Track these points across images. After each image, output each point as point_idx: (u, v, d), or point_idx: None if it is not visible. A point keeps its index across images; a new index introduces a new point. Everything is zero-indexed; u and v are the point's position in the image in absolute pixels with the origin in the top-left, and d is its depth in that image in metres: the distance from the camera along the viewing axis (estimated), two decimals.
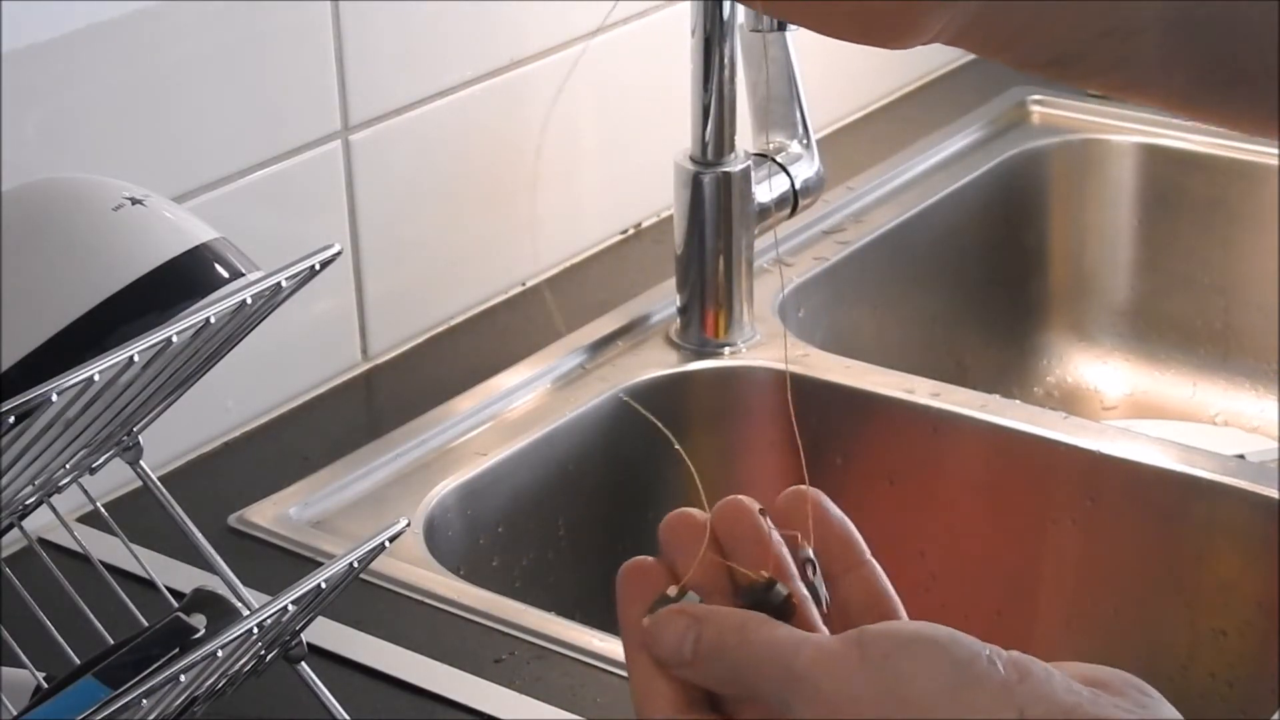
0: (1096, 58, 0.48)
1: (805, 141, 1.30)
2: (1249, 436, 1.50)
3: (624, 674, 0.98)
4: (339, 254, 0.79)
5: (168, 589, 0.88)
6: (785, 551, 0.53)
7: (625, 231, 1.45)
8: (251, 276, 0.78)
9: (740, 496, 0.56)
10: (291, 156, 1.18)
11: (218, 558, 0.85)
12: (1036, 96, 1.62)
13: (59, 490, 0.86)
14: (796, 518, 0.54)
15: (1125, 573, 1.17)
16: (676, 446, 0.59)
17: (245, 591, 0.85)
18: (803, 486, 0.54)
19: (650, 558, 0.57)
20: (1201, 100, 0.51)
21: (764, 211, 1.28)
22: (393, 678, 0.95)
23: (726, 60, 1.20)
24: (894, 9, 0.43)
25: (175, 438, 1.13)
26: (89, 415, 0.73)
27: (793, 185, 1.29)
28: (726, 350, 1.27)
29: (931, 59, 1.68)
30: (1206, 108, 0.51)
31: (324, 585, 0.78)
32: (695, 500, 1.30)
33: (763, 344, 1.27)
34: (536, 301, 1.36)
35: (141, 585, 0.90)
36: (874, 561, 0.54)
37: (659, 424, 0.59)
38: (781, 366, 1.25)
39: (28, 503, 0.85)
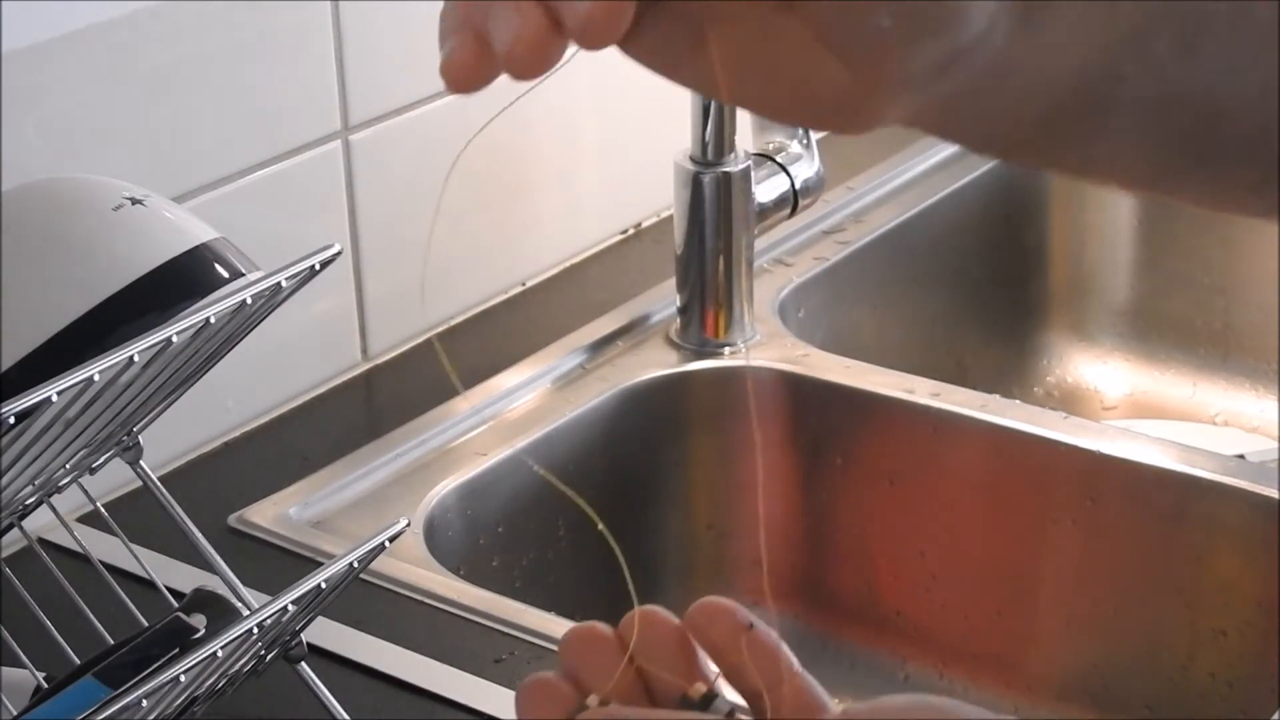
0: (1065, 141, 0.46)
1: (805, 141, 1.30)
2: (1249, 436, 1.49)
3: None
4: (339, 254, 0.79)
5: (168, 589, 0.88)
6: (710, 664, 0.50)
7: (625, 231, 1.45)
8: (251, 276, 0.78)
9: (653, 607, 0.52)
10: (291, 156, 1.18)
11: (218, 558, 0.85)
12: None
13: (59, 490, 0.86)
14: (712, 631, 0.50)
15: (1125, 573, 1.17)
16: (578, 501, 0.55)
17: (245, 591, 0.85)
18: (718, 600, 0.51)
19: (551, 674, 0.52)
20: (1169, 181, 0.49)
21: (764, 211, 1.28)
22: (393, 678, 0.95)
23: None
24: (857, 102, 0.41)
25: (175, 438, 1.13)
26: (89, 415, 0.73)
27: (793, 185, 1.29)
28: (726, 350, 1.27)
29: None
30: (1174, 188, 0.50)
31: (324, 585, 0.78)
32: (695, 508, 1.29)
33: (763, 344, 1.27)
34: (536, 301, 1.36)
35: (141, 585, 0.90)
36: (805, 672, 0.50)
37: (573, 493, 0.55)
38: (784, 367, 1.25)
39: (28, 503, 0.85)
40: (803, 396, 1.25)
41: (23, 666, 0.87)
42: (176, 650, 0.77)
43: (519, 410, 1.21)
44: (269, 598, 0.76)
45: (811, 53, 0.40)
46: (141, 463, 0.85)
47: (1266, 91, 0.46)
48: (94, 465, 0.85)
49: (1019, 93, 0.43)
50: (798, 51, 0.41)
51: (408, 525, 0.85)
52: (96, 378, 0.68)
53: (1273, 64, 0.45)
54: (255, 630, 0.75)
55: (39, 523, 0.90)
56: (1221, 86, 0.45)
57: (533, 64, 0.41)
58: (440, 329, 1.31)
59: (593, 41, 0.40)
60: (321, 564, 0.79)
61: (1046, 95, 0.43)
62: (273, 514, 1.09)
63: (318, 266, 0.77)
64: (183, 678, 0.71)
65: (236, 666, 0.80)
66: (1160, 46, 0.44)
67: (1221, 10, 0.45)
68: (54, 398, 0.67)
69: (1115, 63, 0.43)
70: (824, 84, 0.41)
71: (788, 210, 1.30)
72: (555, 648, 0.97)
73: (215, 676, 0.77)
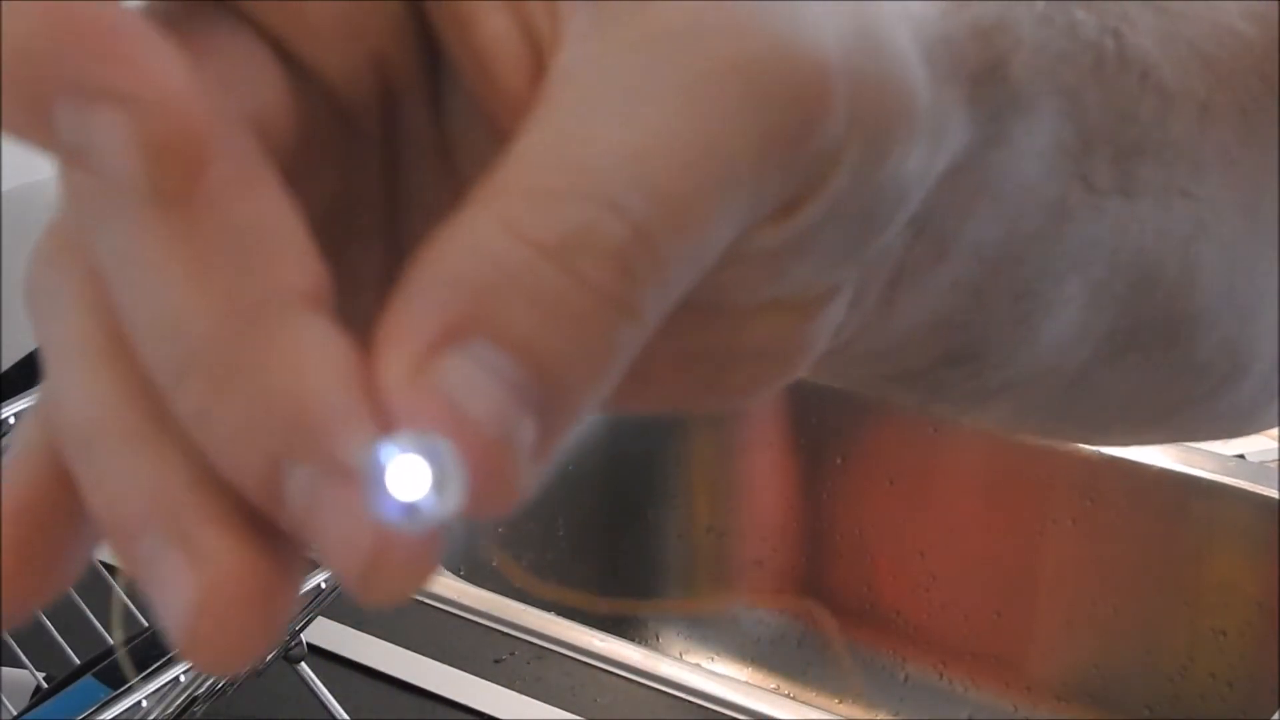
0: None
1: None
2: (1249, 436, 1.50)
3: (624, 674, 0.99)
4: None
5: None
6: None
7: None
8: None
9: None
10: None
11: None
12: None
13: None
14: None
15: (1125, 573, 1.17)
16: None
17: None
18: None
19: None
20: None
21: None
22: (393, 678, 0.95)
23: None
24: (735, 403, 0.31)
25: None
26: None
27: None
28: None
29: None
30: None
31: (324, 585, 0.78)
32: (695, 508, 1.28)
33: None
34: None
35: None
36: None
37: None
38: None
39: None
40: (803, 396, 1.25)
41: (23, 666, 0.87)
42: (176, 650, 0.77)
43: None
44: None
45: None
46: None
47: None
48: None
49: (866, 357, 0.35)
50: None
51: None
52: None
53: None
54: None
55: None
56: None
57: (234, 658, 0.24)
58: None
59: (384, 592, 0.23)
60: (321, 564, 0.79)
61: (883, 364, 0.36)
62: None
63: None
64: (183, 678, 0.71)
65: None
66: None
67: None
68: None
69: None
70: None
71: None
72: (555, 648, 0.98)
73: (215, 676, 0.78)
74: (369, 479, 0.22)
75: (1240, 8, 0.38)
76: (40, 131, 0.23)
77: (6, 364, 0.75)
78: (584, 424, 0.25)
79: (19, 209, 0.78)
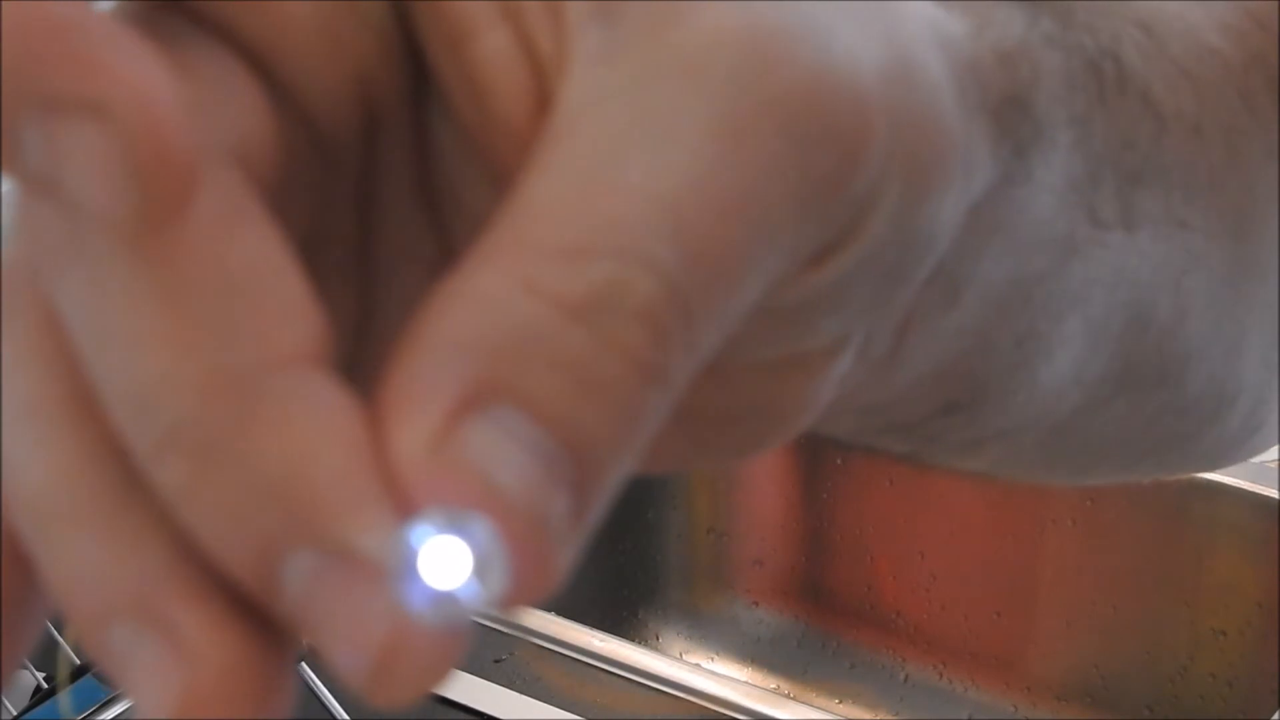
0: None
1: None
2: None
3: (625, 674, 0.99)
4: None
5: None
6: None
7: None
8: None
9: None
10: None
11: None
12: None
13: None
14: None
15: (1125, 573, 1.17)
16: None
17: None
18: None
19: None
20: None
21: None
22: None
23: None
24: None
25: None
26: None
27: None
28: None
29: None
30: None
31: None
32: (695, 508, 1.29)
33: None
34: None
35: None
36: None
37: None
38: None
39: None
40: None
41: (23, 666, 0.87)
42: None
43: None
44: None
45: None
46: None
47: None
48: None
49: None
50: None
51: None
52: None
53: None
54: None
55: None
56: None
57: None
58: None
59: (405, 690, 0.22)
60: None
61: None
62: None
63: None
64: None
65: None
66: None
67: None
68: None
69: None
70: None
71: None
72: (555, 648, 0.98)
73: None
74: (393, 564, 0.20)
75: (1210, 22, 0.36)
76: (5, 155, 0.20)
77: None
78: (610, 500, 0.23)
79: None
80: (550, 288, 0.21)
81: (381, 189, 0.26)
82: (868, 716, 1.23)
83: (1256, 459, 1.35)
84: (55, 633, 0.87)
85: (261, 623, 0.21)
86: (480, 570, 0.19)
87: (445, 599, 0.20)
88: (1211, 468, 0.44)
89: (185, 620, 0.21)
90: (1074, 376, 0.34)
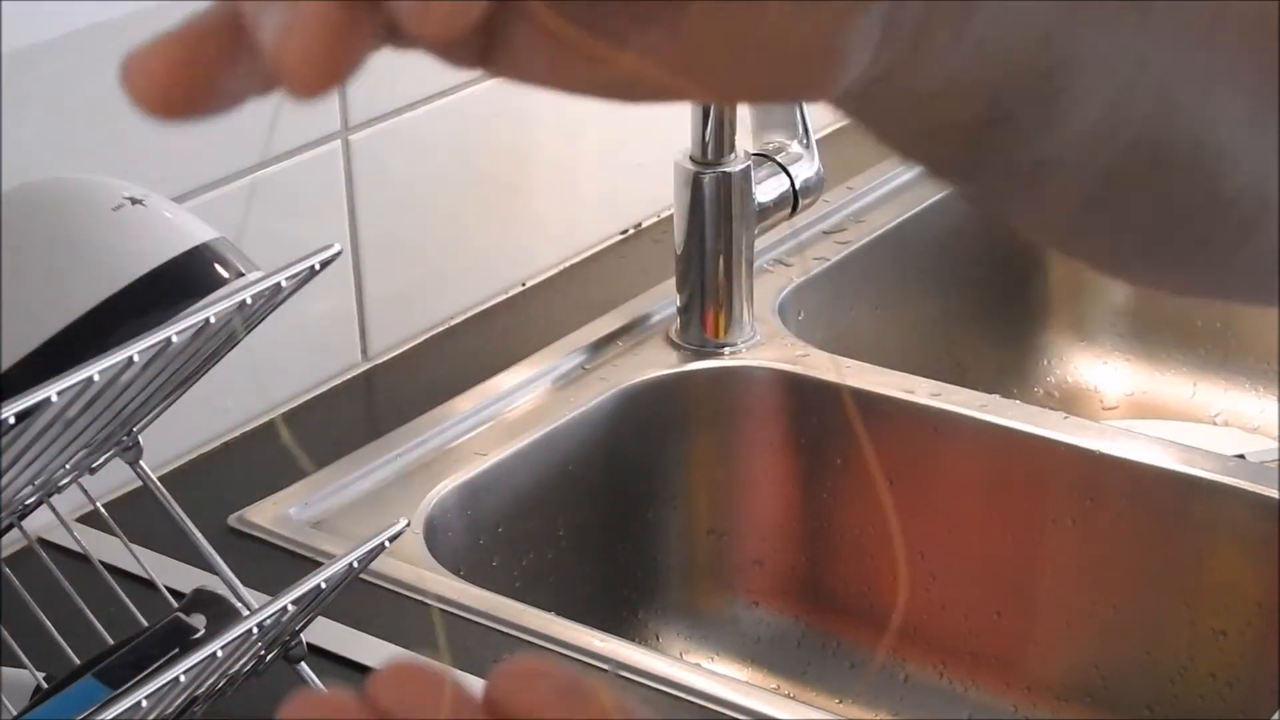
0: (1000, 164, 0.39)
1: (805, 141, 1.30)
2: (1249, 436, 1.49)
3: (625, 674, 0.99)
4: (339, 254, 0.79)
5: (168, 589, 0.88)
6: None
7: (625, 231, 1.45)
8: (251, 276, 0.78)
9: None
10: (291, 157, 1.18)
11: (218, 558, 0.85)
12: None
13: (59, 490, 0.86)
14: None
15: (1125, 573, 1.17)
16: None
17: (245, 591, 0.85)
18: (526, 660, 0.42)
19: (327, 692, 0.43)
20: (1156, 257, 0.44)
21: (764, 211, 1.28)
22: None
23: None
24: (809, 37, 0.33)
25: (175, 438, 1.13)
26: (89, 415, 0.73)
27: (793, 185, 1.29)
28: (726, 350, 1.27)
29: None
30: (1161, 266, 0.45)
31: (324, 585, 0.78)
32: (695, 508, 1.29)
33: (763, 344, 1.27)
34: (536, 301, 1.36)
35: (141, 585, 0.90)
36: None
37: None
38: (784, 367, 1.25)
39: (28, 503, 0.85)
40: (803, 396, 1.25)
41: (23, 666, 0.87)
42: (176, 650, 0.77)
43: (519, 410, 1.21)
44: (269, 598, 0.76)
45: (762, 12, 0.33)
46: (141, 463, 0.84)
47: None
48: (94, 465, 0.85)
49: (936, 91, 0.37)
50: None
51: (408, 525, 0.85)
52: (96, 378, 0.68)
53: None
54: (255, 630, 0.75)
55: (39, 523, 0.90)
56: (1204, 133, 0.41)
57: (313, 75, 0.32)
58: (440, 329, 1.31)
59: (432, 34, 0.30)
60: (321, 564, 0.79)
61: (966, 104, 0.38)
62: (273, 514, 1.09)
63: (317, 267, 0.77)
64: (183, 678, 0.71)
65: (236, 666, 0.80)
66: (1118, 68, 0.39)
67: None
68: (54, 398, 0.67)
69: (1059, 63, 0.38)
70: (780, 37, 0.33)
71: (788, 210, 1.30)
72: (555, 648, 0.98)
73: (215, 677, 0.77)
74: None
75: None
76: None
77: (7, 364, 0.75)
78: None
79: (19, 208, 0.78)
80: None
81: None
82: (868, 716, 1.23)
83: (1257, 459, 1.35)
84: (55, 632, 0.87)
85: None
86: None
87: None
88: (1251, 294, 0.46)
89: None
90: (1108, 132, 0.39)
